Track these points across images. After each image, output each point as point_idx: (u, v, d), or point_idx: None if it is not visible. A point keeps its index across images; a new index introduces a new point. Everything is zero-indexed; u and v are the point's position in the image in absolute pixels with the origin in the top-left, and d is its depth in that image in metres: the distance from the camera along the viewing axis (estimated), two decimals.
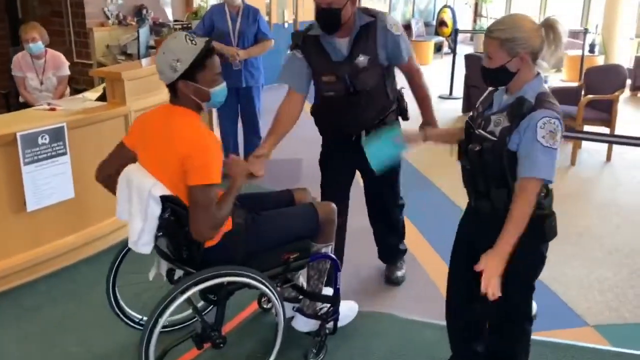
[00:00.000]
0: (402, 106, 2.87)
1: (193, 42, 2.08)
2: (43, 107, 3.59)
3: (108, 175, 2.34)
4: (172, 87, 2.13)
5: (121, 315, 2.56)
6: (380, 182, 2.89)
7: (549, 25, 1.88)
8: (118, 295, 2.54)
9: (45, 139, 3.03)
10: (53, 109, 3.52)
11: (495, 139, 1.91)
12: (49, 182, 3.08)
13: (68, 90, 4.68)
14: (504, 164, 1.89)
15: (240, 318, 2.86)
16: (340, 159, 2.93)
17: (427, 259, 3.52)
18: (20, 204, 2.99)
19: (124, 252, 2.47)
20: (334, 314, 2.59)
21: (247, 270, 2.21)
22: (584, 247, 3.72)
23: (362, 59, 2.59)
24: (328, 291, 2.61)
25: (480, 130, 1.98)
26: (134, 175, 2.17)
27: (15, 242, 3.04)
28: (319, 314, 2.59)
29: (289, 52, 2.78)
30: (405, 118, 2.91)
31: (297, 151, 5.55)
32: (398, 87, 2.88)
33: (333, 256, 2.52)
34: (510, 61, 1.87)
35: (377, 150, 2.45)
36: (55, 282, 3.15)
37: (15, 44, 6.72)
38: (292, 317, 2.65)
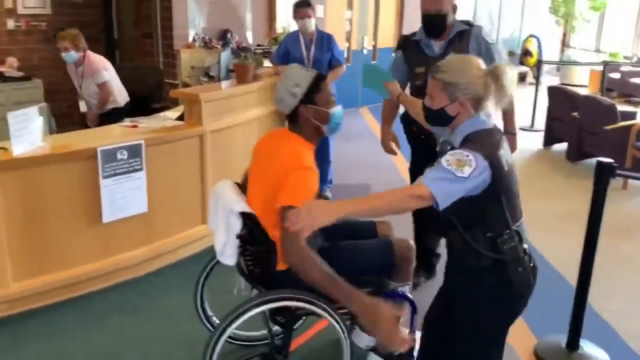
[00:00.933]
0: None
1: (307, 69, 2.27)
2: (125, 124, 3.79)
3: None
4: (292, 114, 2.25)
5: (204, 320, 2.64)
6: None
7: (494, 75, 1.84)
8: (205, 301, 2.63)
9: (124, 154, 3.19)
10: (135, 126, 3.71)
11: None
12: (125, 196, 3.23)
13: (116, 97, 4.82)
14: (445, 210, 1.76)
15: (307, 337, 2.86)
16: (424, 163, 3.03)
17: None
18: (96, 215, 3.15)
19: (215, 260, 2.52)
20: (409, 357, 2.47)
21: (315, 298, 2.16)
22: None
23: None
24: (404, 333, 2.52)
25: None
26: (221, 190, 2.31)
27: (88, 251, 3.20)
28: (394, 354, 2.46)
29: (393, 54, 3.23)
30: None
31: (364, 177, 5.55)
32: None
33: (410, 296, 2.45)
34: (449, 105, 1.86)
35: (370, 74, 2.82)
36: (124, 292, 3.28)
37: (111, 63, 7.19)
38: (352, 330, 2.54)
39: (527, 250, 1.91)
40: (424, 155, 3.01)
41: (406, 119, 3.13)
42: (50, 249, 3.06)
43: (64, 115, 6.48)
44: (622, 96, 10.26)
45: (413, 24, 9.33)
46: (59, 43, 4.62)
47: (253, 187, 2.30)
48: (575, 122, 6.08)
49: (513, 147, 2.99)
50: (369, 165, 5.92)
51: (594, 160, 5.67)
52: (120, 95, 4.92)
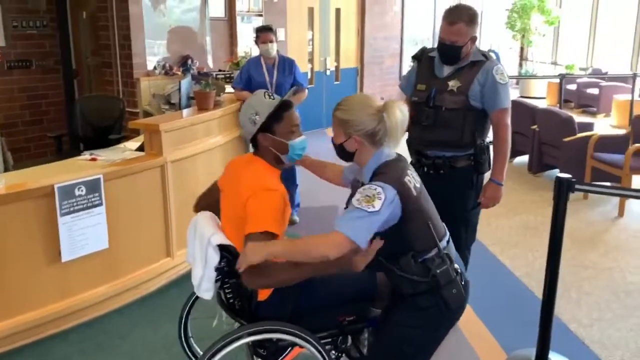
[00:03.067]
0: (479, 158, 2.93)
1: (271, 97, 2.22)
2: (85, 157, 3.71)
3: (202, 208, 2.42)
4: (253, 141, 2.25)
5: (188, 353, 2.57)
6: (456, 221, 2.84)
7: (385, 110, 1.93)
8: (190, 332, 2.56)
9: (82, 190, 3.11)
10: (94, 159, 3.64)
11: None
12: (84, 233, 3.14)
13: None
14: None
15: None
16: None
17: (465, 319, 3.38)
18: (55, 254, 3.05)
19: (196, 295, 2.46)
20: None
21: (296, 329, 2.14)
22: (633, 307, 3.51)
23: (454, 82, 2.86)
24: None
25: None
26: (199, 222, 2.27)
27: (48, 292, 3.09)
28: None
29: (411, 63, 3.22)
30: (480, 171, 2.97)
31: (332, 199, 5.53)
32: (487, 141, 2.99)
33: None
34: (346, 141, 1.98)
35: None
36: (86, 332, 3.18)
37: (70, 94, 7.07)
38: None
39: (458, 270, 2.01)
40: None
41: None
42: (8, 293, 2.95)
43: (22, 149, 6.34)
44: (579, 107, 10.55)
45: (374, 42, 9.51)
46: None
47: (225, 217, 2.26)
48: (535, 135, 6.20)
49: (497, 198, 2.94)
50: (337, 187, 5.91)
51: (555, 171, 5.80)
52: None
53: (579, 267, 4.03)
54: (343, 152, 2.04)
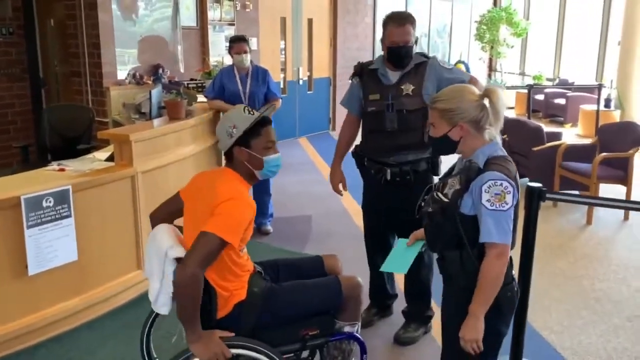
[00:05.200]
0: (435, 160, 3.02)
1: (251, 112, 2.21)
2: (52, 168, 3.62)
3: (157, 218, 2.38)
4: (228, 154, 2.23)
5: None
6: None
7: (487, 96, 1.98)
8: (152, 349, 2.49)
9: (50, 201, 3.04)
10: (62, 170, 3.55)
11: (447, 200, 1.97)
12: (52, 245, 3.06)
13: None
14: (457, 227, 1.93)
15: None
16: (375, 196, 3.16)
17: (438, 327, 3.40)
18: (21, 267, 2.96)
19: None
20: None
21: (256, 343, 2.11)
22: (602, 314, 3.57)
23: (406, 86, 2.94)
24: None
25: (437, 193, 2.04)
26: (157, 235, 2.22)
27: (15, 306, 3.00)
28: None
29: (349, 80, 3.20)
30: (435, 173, 3.04)
31: (306, 209, 5.54)
32: None
33: (358, 336, 2.38)
34: (450, 130, 1.99)
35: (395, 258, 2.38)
36: (55, 347, 3.09)
37: (37, 103, 6.92)
38: None
39: (514, 276, 2.05)
40: (375, 189, 3.15)
41: (357, 154, 3.16)
42: None
43: None
44: (547, 117, 10.77)
45: (347, 52, 9.57)
46: None
47: (188, 228, 2.23)
48: (505, 144, 6.29)
49: None
50: (310, 197, 5.92)
51: (525, 180, 5.89)
52: None
53: (549, 274, 4.09)
54: (445, 144, 2.02)
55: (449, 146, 2.03)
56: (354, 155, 3.19)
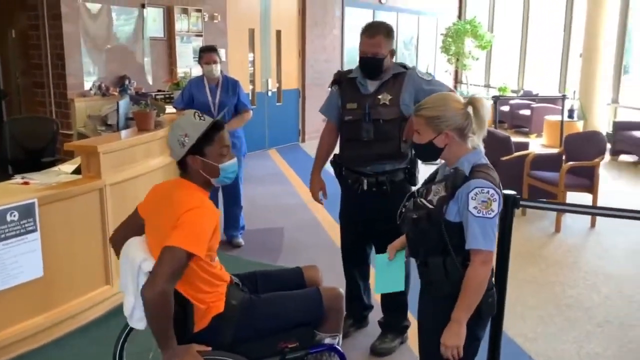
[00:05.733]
0: (413, 170, 3.02)
1: (201, 118, 2.11)
2: (16, 181, 3.50)
3: (118, 240, 2.26)
4: (181, 163, 2.13)
5: None
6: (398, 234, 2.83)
7: (472, 104, 2.00)
8: None
9: (15, 215, 2.92)
10: (26, 183, 3.43)
11: (432, 207, 1.97)
12: (17, 261, 2.94)
13: None
14: (442, 233, 1.94)
15: None
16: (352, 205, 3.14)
17: (414, 336, 3.38)
18: None
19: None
20: None
21: (231, 356, 2.06)
22: (574, 320, 3.61)
23: (384, 95, 2.93)
24: None
25: (421, 199, 2.05)
26: (130, 248, 2.15)
27: None
28: None
29: (329, 88, 3.18)
30: (412, 183, 3.03)
31: (277, 221, 5.49)
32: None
33: (339, 348, 2.33)
34: (436, 137, 2.00)
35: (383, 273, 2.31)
36: None
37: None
38: None
39: (493, 283, 2.08)
40: (352, 198, 3.12)
41: (336, 163, 3.13)
42: None
43: None
44: (512, 127, 10.97)
45: (315, 63, 9.59)
46: None
47: (152, 243, 2.14)
48: None
49: None
50: (281, 208, 5.87)
51: None
52: None
53: (521, 281, 4.12)
54: (429, 150, 2.03)
55: (433, 153, 2.04)
56: (332, 164, 3.17)
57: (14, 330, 3.00)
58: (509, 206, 2.68)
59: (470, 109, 2.00)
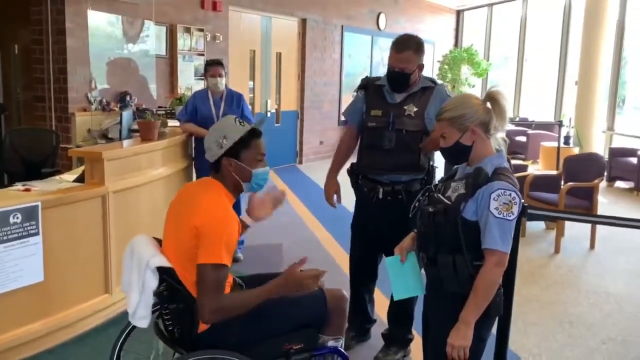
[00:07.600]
0: (430, 181, 3.00)
1: (241, 123, 2.17)
2: (17, 188, 3.47)
3: None
4: (216, 164, 2.18)
5: None
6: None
7: (492, 98, 2.02)
8: None
9: (18, 217, 2.89)
10: (27, 190, 3.40)
11: (449, 203, 1.97)
12: (17, 264, 2.90)
13: None
14: (457, 230, 1.94)
15: None
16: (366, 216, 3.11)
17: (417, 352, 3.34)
18: None
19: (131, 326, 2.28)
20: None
21: (237, 356, 2.03)
22: (577, 337, 3.58)
23: (410, 107, 2.92)
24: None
25: (438, 194, 2.05)
26: (137, 245, 2.15)
27: None
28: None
29: (354, 92, 3.20)
30: None
31: (276, 237, 5.46)
32: (434, 164, 3.06)
33: (342, 350, 2.31)
34: (462, 136, 2.01)
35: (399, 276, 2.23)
36: None
37: None
38: None
39: (500, 283, 2.05)
40: (366, 207, 3.10)
41: (353, 172, 3.11)
42: None
43: None
44: (509, 154, 10.91)
45: (314, 87, 9.66)
46: None
47: (167, 237, 2.16)
48: None
49: None
50: (279, 227, 5.83)
51: None
52: None
53: (523, 299, 4.10)
54: (458, 151, 2.03)
55: (462, 153, 2.04)
56: (349, 173, 3.14)
57: (11, 336, 2.93)
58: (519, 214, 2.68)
59: (489, 104, 2.02)
